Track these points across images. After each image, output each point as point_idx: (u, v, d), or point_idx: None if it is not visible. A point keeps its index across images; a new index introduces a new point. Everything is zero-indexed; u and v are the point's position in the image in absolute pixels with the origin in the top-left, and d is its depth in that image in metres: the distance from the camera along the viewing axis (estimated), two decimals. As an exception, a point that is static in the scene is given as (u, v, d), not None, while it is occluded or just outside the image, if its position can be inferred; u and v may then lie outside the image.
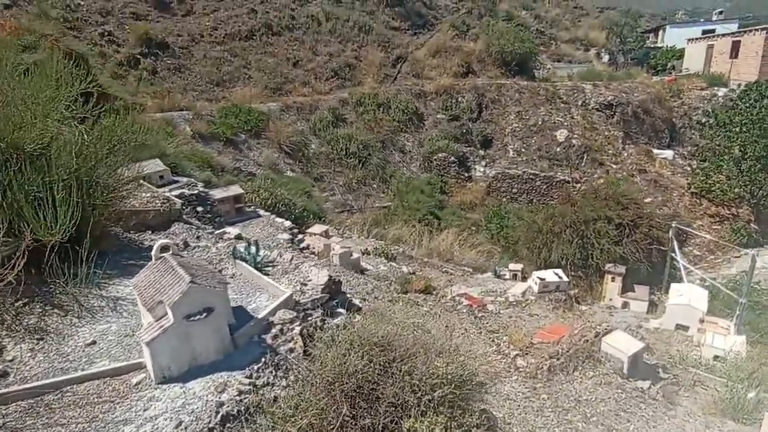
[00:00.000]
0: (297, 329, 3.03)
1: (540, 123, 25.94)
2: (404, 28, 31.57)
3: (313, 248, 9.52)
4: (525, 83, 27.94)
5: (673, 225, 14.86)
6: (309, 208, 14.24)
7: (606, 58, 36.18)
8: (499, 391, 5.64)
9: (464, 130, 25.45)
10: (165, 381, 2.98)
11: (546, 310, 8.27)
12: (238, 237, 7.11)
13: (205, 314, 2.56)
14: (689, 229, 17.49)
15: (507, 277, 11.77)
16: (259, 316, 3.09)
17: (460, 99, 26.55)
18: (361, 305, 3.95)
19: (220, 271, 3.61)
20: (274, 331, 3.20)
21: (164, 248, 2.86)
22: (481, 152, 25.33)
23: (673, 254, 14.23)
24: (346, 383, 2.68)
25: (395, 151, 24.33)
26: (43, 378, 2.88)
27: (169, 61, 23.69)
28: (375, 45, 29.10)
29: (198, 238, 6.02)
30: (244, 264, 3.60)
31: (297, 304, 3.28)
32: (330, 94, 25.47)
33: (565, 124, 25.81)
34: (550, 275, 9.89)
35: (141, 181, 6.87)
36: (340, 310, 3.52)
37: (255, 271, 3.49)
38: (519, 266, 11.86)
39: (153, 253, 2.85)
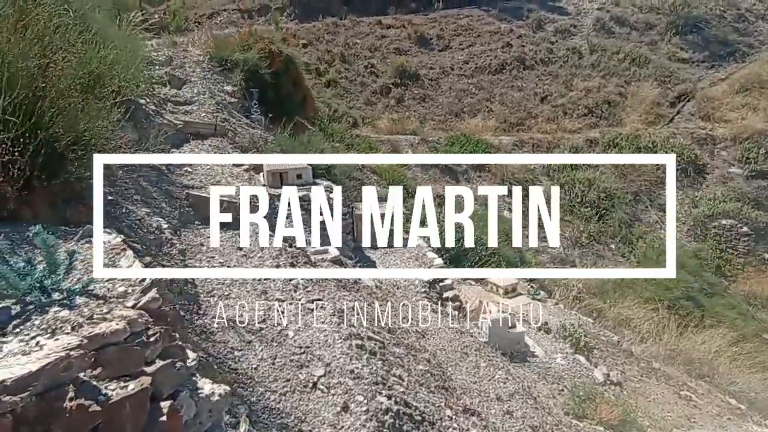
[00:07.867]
0: None
1: None
2: (697, 60, 24.97)
3: (465, 302, 6.93)
4: None
5: None
6: (502, 254, 11.48)
7: None
8: None
9: (773, 193, 17.81)
10: None
11: None
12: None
13: None
14: None
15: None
16: None
17: (772, 149, 18.87)
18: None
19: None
20: None
21: None
22: (800, 228, 17.12)
23: None
24: None
25: (652, 207, 18.79)
26: None
27: (416, 91, 24.58)
28: (650, 79, 23.82)
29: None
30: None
31: None
32: (577, 133, 21.84)
33: None
34: None
35: (241, 168, 5.84)
36: None
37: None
38: None
39: None
